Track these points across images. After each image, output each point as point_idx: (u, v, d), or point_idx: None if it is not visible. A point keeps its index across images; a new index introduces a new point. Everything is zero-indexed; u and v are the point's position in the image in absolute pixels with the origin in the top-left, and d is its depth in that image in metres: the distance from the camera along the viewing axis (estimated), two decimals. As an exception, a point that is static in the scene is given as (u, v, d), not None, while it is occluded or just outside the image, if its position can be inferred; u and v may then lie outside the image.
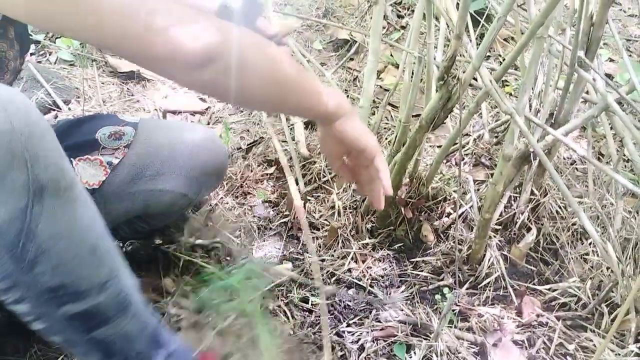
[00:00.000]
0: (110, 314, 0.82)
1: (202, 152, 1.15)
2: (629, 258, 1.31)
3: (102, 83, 1.91)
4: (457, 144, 1.31)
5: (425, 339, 1.18)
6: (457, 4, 1.08)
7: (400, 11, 2.36)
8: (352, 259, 1.39)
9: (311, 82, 0.82)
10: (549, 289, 1.31)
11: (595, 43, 1.17)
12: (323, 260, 1.39)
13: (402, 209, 1.41)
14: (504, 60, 1.59)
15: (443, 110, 1.17)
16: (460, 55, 1.48)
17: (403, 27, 2.22)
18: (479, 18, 2.01)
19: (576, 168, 1.68)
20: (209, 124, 1.82)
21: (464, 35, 1.06)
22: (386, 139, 1.70)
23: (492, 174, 1.44)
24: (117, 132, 1.09)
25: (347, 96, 1.91)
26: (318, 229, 1.46)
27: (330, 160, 0.98)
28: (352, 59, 2.09)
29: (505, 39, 2.14)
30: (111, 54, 1.99)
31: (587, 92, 1.32)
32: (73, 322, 0.79)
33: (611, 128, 1.42)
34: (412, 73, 1.36)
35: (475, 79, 1.43)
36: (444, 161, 1.62)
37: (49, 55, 2.01)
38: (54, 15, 0.62)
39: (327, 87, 0.85)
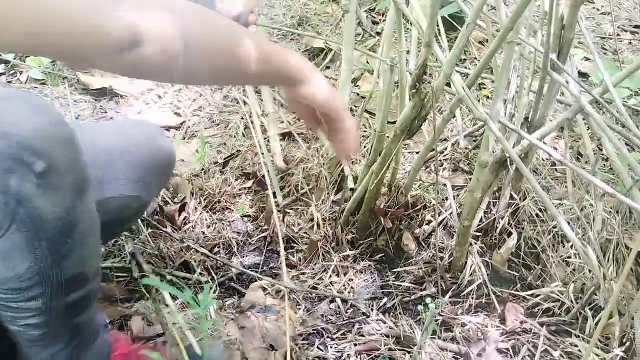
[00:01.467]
0: (94, 297, 0.89)
1: (143, 151, 1.08)
2: (611, 260, 1.30)
3: (75, 101, 1.88)
4: (434, 150, 1.30)
5: (408, 352, 1.17)
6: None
7: (375, 17, 2.35)
8: (333, 272, 1.37)
9: (270, 49, 0.77)
10: (532, 295, 1.30)
11: (567, 45, 1.16)
12: (304, 275, 1.37)
13: (382, 219, 1.39)
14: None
15: (417, 118, 1.15)
16: (436, 60, 1.47)
17: (378, 34, 2.21)
18: (454, 23, 2.01)
19: (556, 169, 1.67)
20: (184, 138, 1.79)
21: (434, 43, 1.05)
22: (364, 147, 1.68)
23: (471, 179, 1.43)
24: None
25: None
26: (298, 243, 1.44)
27: (303, 120, 0.98)
28: (328, 68, 2.07)
29: (480, 42, 2.14)
30: (82, 71, 1.95)
31: (562, 94, 1.31)
32: (69, 309, 0.84)
33: (588, 128, 1.41)
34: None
35: (449, 85, 1.41)
36: (423, 168, 1.61)
37: (20, 74, 1.97)
38: None
39: (289, 51, 0.81)
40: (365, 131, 1.77)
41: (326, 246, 1.41)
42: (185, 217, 1.49)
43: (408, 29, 1.82)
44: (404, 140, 1.21)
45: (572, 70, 1.32)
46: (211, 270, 1.36)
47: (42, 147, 0.69)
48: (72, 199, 0.74)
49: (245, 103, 1.86)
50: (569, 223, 1.37)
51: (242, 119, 1.83)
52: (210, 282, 1.32)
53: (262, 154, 1.58)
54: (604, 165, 1.67)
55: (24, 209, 0.69)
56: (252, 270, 1.36)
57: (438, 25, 1.61)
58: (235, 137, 1.79)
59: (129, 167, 1.05)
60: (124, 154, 1.04)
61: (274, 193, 1.54)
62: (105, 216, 1.08)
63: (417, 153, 1.65)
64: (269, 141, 1.63)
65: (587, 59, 2.20)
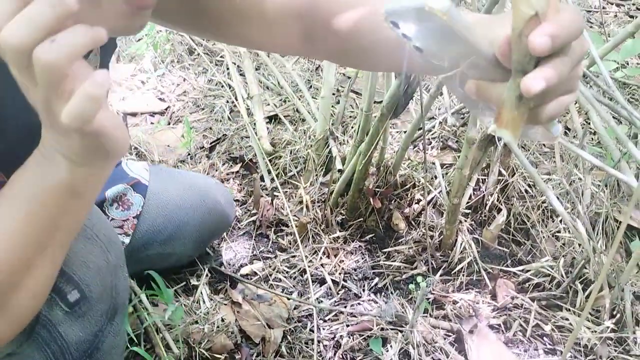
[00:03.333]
0: None
1: (215, 216, 1.17)
2: (600, 233, 1.30)
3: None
4: (422, 128, 1.29)
5: (400, 331, 1.16)
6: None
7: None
8: (323, 253, 1.36)
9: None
10: (522, 270, 1.30)
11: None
12: (294, 257, 1.36)
13: (371, 199, 1.38)
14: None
15: (404, 96, 1.14)
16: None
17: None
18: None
19: (543, 144, 1.67)
20: (169, 123, 1.77)
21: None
22: (352, 127, 1.67)
23: (459, 157, 1.42)
24: (123, 199, 1.05)
25: (310, 86, 1.87)
26: (287, 225, 1.43)
27: None
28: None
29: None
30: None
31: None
32: None
33: (575, 102, 1.41)
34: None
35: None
36: (412, 146, 1.60)
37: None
38: None
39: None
40: (352, 111, 1.76)
41: (316, 228, 1.40)
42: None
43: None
44: (391, 119, 1.20)
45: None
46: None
47: (79, 275, 0.68)
48: (101, 324, 0.72)
49: (229, 86, 1.84)
50: (557, 198, 1.37)
51: (227, 102, 1.81)
52: (202, 268, 1.30)
53: (249, 137, 1.56)
54: (592, 139, 1.67)
55: (47, 332, 0.67)
56: (241, 255, 1.36)
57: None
58: (220, 120, 1.77)
59: (199, 230, 1.14)
60: (198, 215, 1.12)
61: (262, 177, 1.53)
62: (160, 264, 1.15)
63: (405, 132, 1.64)
64: (255, 124, 1.62)
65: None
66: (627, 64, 1.95)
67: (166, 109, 1.82)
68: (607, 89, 1.03)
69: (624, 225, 0.63)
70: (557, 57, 0.43)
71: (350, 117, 1.73)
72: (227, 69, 1.89)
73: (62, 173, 0.50)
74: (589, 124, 1.62)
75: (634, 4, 2.42)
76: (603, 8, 2.36)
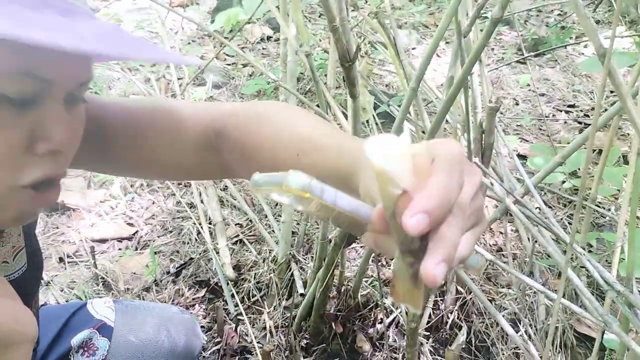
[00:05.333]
0: None
1: (180, 351, 1.14)
2: (558, 346, 1.32)
3: (25, 218, 1.87)
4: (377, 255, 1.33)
5: None
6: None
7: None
8: (287, 382, 1.35)
9: None
10: (484, 392, 1.30)
11: (489, 148, 1.23)
12: (258, 387, 1.35)
13: (333, 324, 1.40)
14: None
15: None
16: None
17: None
18: (394, 116, 2.11)
19: (503, 254, 1.71)
20: (136, 249, 1.79)
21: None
22: (314, 249, 1.71)
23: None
24: (89, 344, 1.07)
25: (276, 205, 1.93)
26: (252, 353, 1.43)
27: None
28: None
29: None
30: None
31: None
32: None
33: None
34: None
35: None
36: (375, 263, 1.64)
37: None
38: None
39: None
40: (314, 233, 1.81)
41: (280, 355, 1.40)
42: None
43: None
44: (344, 248, 1.25)
45: (501, 167, 1.40)
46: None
47: None
48: None
49: (197, 207, 1.89)
50: (515, 314, 1.41)
51: (195, 224, 1.85)
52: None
53: (213, 260, 1.59)
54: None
55: None
56: (204, 388, 1.34)
57: (377, 123, 1.68)
58: (188, 243, 1.80)
59: None
60: (159, 351, 1.08)
61: (226, 301, 1.55)
62: None
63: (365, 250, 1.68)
64: (217, 251, 1.65)
65: (525, 140, 2.31)
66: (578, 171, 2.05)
67: (134, 234, 1.86)
68: (540, 217, 1.09)
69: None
70: (445, 223, 0.38)
71: (313, 239, 1.78)
72: (193, 192, 1.95)
73: None
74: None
75: (581, 110, 2.57)
76: (553, 116, 2.51)
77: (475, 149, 1.22)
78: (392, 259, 0.43)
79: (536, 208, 1.61)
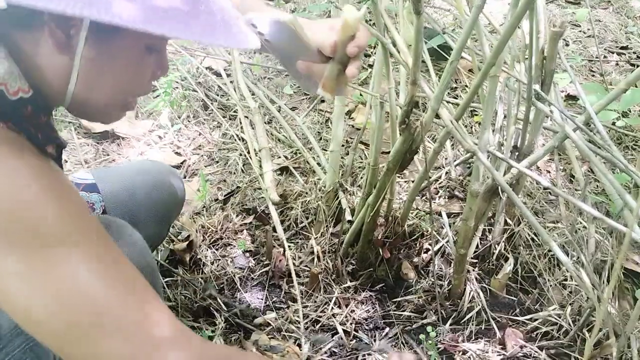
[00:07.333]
0: None
1: (163, 191, 1.24)
2: (605, 282, 1.32)
3: (78, 144, 1.92)
4: (427, 180, 1.34)
5: (411, 381, 1.18)
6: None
7: (367, 50, 2.41)
8: (334, 304, 1.39)
9: None
10: (530, 319, 1.32)
11: (550, 75, 1.20)
12: (306, 307, 1.39)
13: (380, 249, 1.42)
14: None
15: (408, 152, 1.19)
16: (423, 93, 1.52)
17: (370, 66, 2.26)
18: (443, 53, 2.07)
19: (549, 192, 1.70)
20: (185, 177, 1.83)
21: (420, 80, 1.09)
22: (361, 177, 1.72)
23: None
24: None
25: (320, 138, 1.94)
26: (299, 276, 1.47)
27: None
28: (323, 101, 2.12)
29: (470, 70, 2.19)
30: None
31: (551, 120, 1.35)
32: None
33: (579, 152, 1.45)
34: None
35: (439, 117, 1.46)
36: (419, 196, 1.65)
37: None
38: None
39: None
40: (361, 162, 1.82)
41: (327, 278, 1.44)
42: (193, 256, 1.52)
43: (397, 65, 1.87)
44: (397, 173, 1.25)
45: (556, 98, 1.37)
46: (220, 306, 1.39)
47: None
48: None
49: (242, 139, 1.91)
50: (563, 246, 1.41)
51: (241, 155, 1.88)
52: (218, 316, 1.34)
53: (261, 188, 1.62)
54: (596, 186, 1.71)
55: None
56: (255, 306, 1.39)
57: (424, 61, 1.66)
58: (234, 173, 1.83)
59: (153, 207, 1.21)
60: (150, 194, 1.21)
61: (274, 228, 1.58)
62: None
63: (413, 181, 1.69)
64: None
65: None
66: (630, 111, 1.99)
67: (182, 163, 1.89)
68: (603, 144, 1.07)
69: (618, 268, 0.67)
70: (357, 56, 0.83)
71: (360, 168, 1.79)
72: (240, 123, 1.96)
73: None
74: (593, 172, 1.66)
75: (634, 53, 2.49)
76: (604, 57, 2.43)
77: (536, 76, 1.19)
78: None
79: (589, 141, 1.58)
